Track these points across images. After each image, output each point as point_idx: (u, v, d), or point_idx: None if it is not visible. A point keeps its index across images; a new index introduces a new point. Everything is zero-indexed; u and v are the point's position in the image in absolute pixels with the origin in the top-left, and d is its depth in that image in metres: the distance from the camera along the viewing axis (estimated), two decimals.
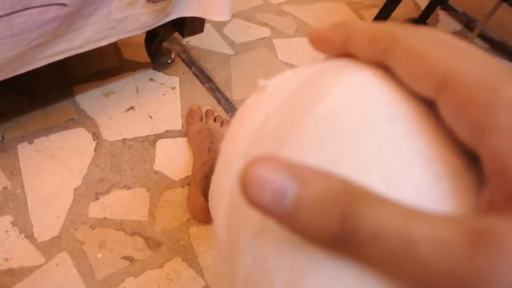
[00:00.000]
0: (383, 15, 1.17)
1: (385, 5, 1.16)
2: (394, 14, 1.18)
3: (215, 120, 1.05)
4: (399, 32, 0.18)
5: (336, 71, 0.22)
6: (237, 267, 0.22)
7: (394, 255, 0.13)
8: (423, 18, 1.40)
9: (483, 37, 1.67)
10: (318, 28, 0.21)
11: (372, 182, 0.17)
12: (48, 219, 0.85)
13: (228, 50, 1.29)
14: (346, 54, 0.21)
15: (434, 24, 1.65)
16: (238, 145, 0.24)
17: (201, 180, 0.88)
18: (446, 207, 0.16)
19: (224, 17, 0.89)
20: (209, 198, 0.35)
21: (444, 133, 0.18)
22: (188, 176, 0.98)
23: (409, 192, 0.16)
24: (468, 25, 1.70)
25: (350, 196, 0.14)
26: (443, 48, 0.16)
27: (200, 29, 1.02)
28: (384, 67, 0.20)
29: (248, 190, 0.14)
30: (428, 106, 0.19)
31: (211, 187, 0.33)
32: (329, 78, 0.21)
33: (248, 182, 0.14)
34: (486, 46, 1.64)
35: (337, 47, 0.21)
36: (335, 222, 0.13)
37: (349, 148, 0.17)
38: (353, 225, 0.13)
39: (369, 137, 0.17)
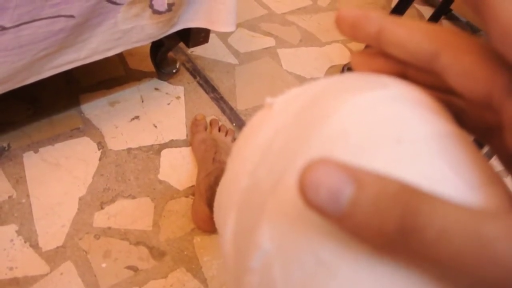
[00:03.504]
0: None
1: (389, 14, 1.16)
2: None
3: (219, 130, 1.05)
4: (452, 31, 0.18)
5: (344, 89, 0.22)
6: (244, 285, 0.21)
7: (466, 254, 0.13)
8: None
9: None
10: (350, 10, 0.20)
11: None
12: (53, 228, 0.86)
13: (232, 60, 1.29)
14: (377, 46, 0.20)
15: None
16: (245, 161, 0.24)
17: (206, 190, 0.88)
18: None
19: (229, 28, 0.89)
20: (215, 210, 0.35)
21: (462, 151, 0.18)
22: (193, 186, 0.98)
23: None
24: (472, 35, 1.71)
25: (410, 195, 0.14)
26: None
27: (205, 40, 1.03)
28: (399, 84, 0.20)
29: (305, 191, 0.14)
30: (448, 124, 0.19)
31: (216, 200, 0.33)
32: (337, 97, 0.21)
33: (305, 183, 0.14)
34: None
35: (369, 39, 0.20)
36: (393, 221, 0.14)
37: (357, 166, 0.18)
38: (415, 223, 0.13)
39: (376, 159, 0.17)
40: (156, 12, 0.79)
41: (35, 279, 0.79)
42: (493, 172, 0.18)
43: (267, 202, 0.21)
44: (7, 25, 0.61)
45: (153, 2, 0.77)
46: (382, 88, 0.21)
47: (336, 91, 0.22)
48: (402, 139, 0.18)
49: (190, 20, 0.88)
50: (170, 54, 1.15)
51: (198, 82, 1.20)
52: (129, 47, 0.84)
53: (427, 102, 0.21)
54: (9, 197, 0.88)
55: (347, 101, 0.21)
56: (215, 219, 0.35)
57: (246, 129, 0.29)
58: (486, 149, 0.97)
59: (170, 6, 0.79)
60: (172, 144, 1.05)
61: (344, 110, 0.20)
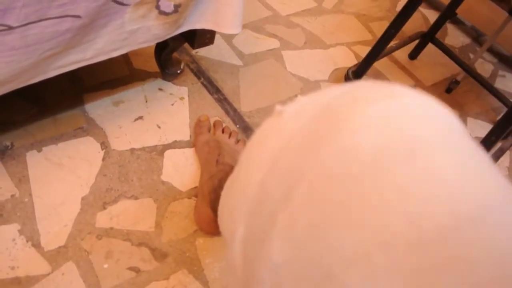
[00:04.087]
0: (393, 29, 1.17)
1: (395, 19, 1.16)
2: (403, 27, 1.18)
3: (223, 131, 1.05)
4: None
5: (355, 100, 0.21)
6: None
7: None
8: (432, 32, 1.40)
9: (492, 51, 1.67)
10: None
11: (394, 219, 0.16)
12: (55, 228, 0.85)
13: (237, 61, 1.29)
14: None
15: (443, 37, 1.65)
16: (254, 172, 0.23)
17: (209, 193, 0.87)
18: None
19: (235, 30, 0.89)
20: (219, 215, 0.34)
21: (476, 166, 0.18)
22: (196, 187, 0.98)
23: (430, 233, 0.16)
24: (476, 39, 1.70)
25: None
26: None
27: (211, 41, 1.02)
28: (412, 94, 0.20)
29: None
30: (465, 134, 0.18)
31: (222, 206, 0.33)
32: (348, 108, 0.21)
33: None
34: (495, 60, 1.64)
35: None
36: None
37: (371, 187, 0.17)
38: None
39: (390, 175, 0.17)
40: (162, 13, 0.78)
41: (36, 279, 0.79)
42: (506, 185, 0.18)
43: (278, 215, 0.21)
44: (14, 24, 0.61)
45: (159, 3, 0.77)
46: (394, 99, 0.21)
47: (348, 101, 0.22)
48: (415, 154, 0.18)
49: (196, 22, 0.88)
50: (175, 54, 1.15)
51: (202, 83, 1.19)
52: (135, 47, 0.83)
53: (439, 112, 0.21)
54: (12, 196, 0.87)
55: (360, 113, 0.20)
56: (220, 224, 0.35)
57: (254, 137, 0.29)
58: (494, 150, 0.96)
59: (176, 8, 0.79)
60: (175, 145, 1.04)
61: (357, 122, 0.20)
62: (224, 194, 0.30)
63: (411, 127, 0.19)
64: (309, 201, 0.19)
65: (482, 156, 0.19)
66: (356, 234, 0.17)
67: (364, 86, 0.23)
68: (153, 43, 0.86)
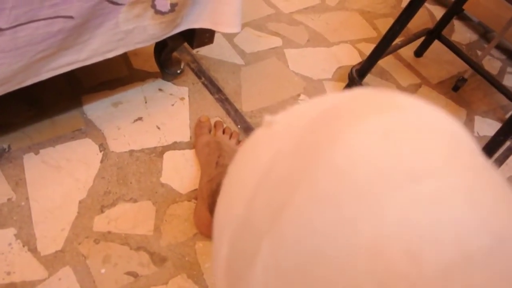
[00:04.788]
0: (398, 26, 1.14)
1: (401, 16, 1.13)
2: (408, 24, 1.15)
3: (224, 132, 1.03)
4: None
5: (352, 111, 0.19)
6: None
7: None
8: (438, 29, 1.37)
9: (500, 48, 1.63)
10: None
11: (393, 255, 0.14)
12: (52, 232, 0.84)
13: (238, 60, 1.27)
14: None
15: (450, 34, 1.62)
16: (241, 187, 0.21)
17: (208, 196, 0.86)
18: None
19: (234, 29, 0.87)
20: (213, 224, 0.32)
21: (485, 189, 0.15)
22: (196, 189, 0.96)
23: (434, 273, 0.14)
24: (484, 35, 1.67)
25: None
26: None
27: (210, 40, 1.00)
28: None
29: None
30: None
31: (214, 218, 0.31)
32: (343, 121, 0.19)
33: None
34: (503, 57, 1.60)
35: None
36: None
37: (367, 212, 0.15)
38: None
39: (390, 200, 0.15)
40: (158, 12, 0.77)
41: (33, 284, 0.78)
42: None
43: (263, 240, 0.18)
44: (4, 26, 0.59)
45: (155, 2, 0.75)
46: (397, 110, 0.18)
47: (344, 112, 0.20)
48: (418, 176, 0.16)
49: (194, 21, 0.86)
50: (175, 54, 1.13)
51: (203, 83, 1.18)
52: (131, 48, 0.82)
53: (448, 126, 0.19)
54: (9, 199, 0.86)
55: (356, 126, 0.18)
56: (213, 234, 0.33)
57: (243, 149, 0.26)
58: (502, 149, 0.93)
59: (173, 7, 0.77)
60: (175, 146, 1.03)
61: (352, 137, 0.18)
62: (217, 203, 0.28)
63: (414, 145, 0.16)
64: (296, 228, 0.17)
65: (494, 177, 0.17)
66: (349, 273, 0.15)
67: (363, 94, 0.21)
68: (150, 43, 0.84)
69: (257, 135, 0.24)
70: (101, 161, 0.96)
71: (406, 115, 0.18)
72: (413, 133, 0.17)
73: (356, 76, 1.23)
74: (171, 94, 1.12)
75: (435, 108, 0.20)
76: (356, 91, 0.22)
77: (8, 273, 0.78)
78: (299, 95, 1.23)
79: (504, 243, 0.14)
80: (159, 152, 1.01)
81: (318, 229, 0.15)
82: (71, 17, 0.65)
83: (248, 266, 0.18)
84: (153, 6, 0.75)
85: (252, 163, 0.21)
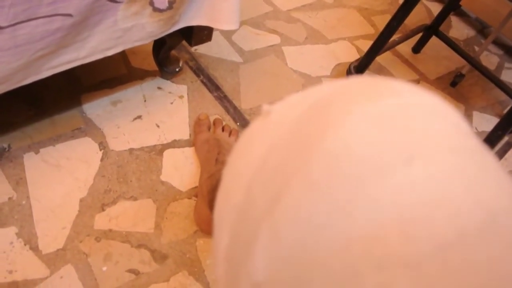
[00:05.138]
0: (396, 22, 1.15)
1: (397, 12, 1.13)
2: (406, 20, 1.15)
3: (223, 130, 1.03)
4: None
5: (349, 97, 0.19)
6: None
7: None
8: (436, 25, 1.37)
9: (498, 43, 1.64)
10: None
11: (389, 236, 0.14)
12: (53, 231, 0.84)
13: (237, 58, 1.27)
14: None
15: (447, 30, 1.62)
16: (239, 177, 0.22)
17: (208, 193, 0.86)
18: None
19: (232, 26, 0.87)
20: (213, 218, 0.33)
21: (479, 169, 0.16)
22: (196, 187, 0.96)
23: (430, 252, 0.14)
24: (481, 31, 1.67)
25: None
26: None
27: (208, 38, 1.01)
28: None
29: None
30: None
31: (214, 210, 0.31)
32: (339, 107, 0.19)
33: None
34: (501, 52, 1.61)
35: None
36: None
37: (362, 197, 0.15)
38: None
39: (383, 184, 0.15)
40: (156, 10, 0.77)
41: (34, 282, 0.78)
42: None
43: (262, 226, 0.19)
44: (3, 24, 0.59)
45: (153, 0, 0.75)
46: (392, 96, 0.19)
47: (340, 99, 0.20)
48: (413, 158, 0.16)
49: (192, 18, 0.86)
50: (173, 52, 1.13)
51: (202, 81, 1.18)
52: (130, 46, 0.82)
53: (442, 110, 0.19)
54: (9, 198, 0.86)
55: (352, 112, 0.18)
56: (213, 227, 0.33)
57: (241, 140, 0.27)
58: (500, 144, 0.94)
59: (171, 4, 0.77)
60: (174, 144, 1.03)
61: (348, 122, 0.18)
62: (217, 200, 0.29)
63: (409, 128, 0.17)
64: (294, 213, 0.17)
65: (489, 159, 0.17)
66: (346, 254, 0.15)
67: (359, 81, 0.21)
68: (148, 41, 0.84)
69: (254, 124, 0.24)
70: (101, 160, 0.96)
71: (401, 99, 0.19)
72: (406, 117, 0.18)
73: (354, 73, 1.24)
74: (170, 92, 1.13)
75: (428, 92, 0.21)
76: (351, 79, 0.22)
77: (10, 272, 0.78)
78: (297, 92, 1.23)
79: (497, 219, 0.15)
80: (159, 150, 1.01)
81: (314, 215, 0.15)
82: (69, 15, 0.65)
83: (247, 253, 0.18)
84: (151, 3, 0.75)
85: (249, 152, 0.22)
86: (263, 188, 0.19)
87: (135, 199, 0.92)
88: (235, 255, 0.20)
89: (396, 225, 0.15)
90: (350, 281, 0.15)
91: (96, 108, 1.04)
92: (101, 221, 0.87)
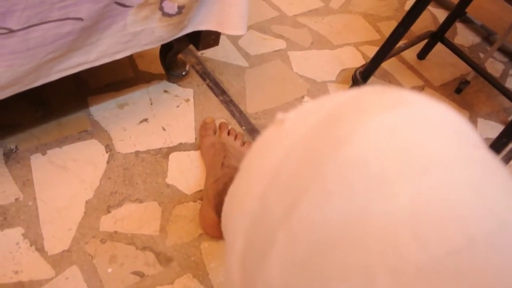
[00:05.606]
0: (402, 28, 1.15)
1: (404, 18, 1.14)
2: (412, 27, 1.16)
3: (229, 134, 1.04)
4: None
5: (361, 108, 0.20)
6: None
7: None
8: (441, 31, 1.38)
9: (503, 50, 1.64)
10: None
11: (403, 239, 0.15)
12: (59, 232, 0.85)
13: (243, 62, 1.28)
14: None
15: (452, 37, 1.62)
16: (254, 184, 0.22)
17: (214, 197, 0.86)
18: None
19: (240, 32, 0.88)
20: (222, 222, 0.33)
21: (491, 179, 0.16)
22: (201, 190, 0.97)
23: (442, 257, 0.14)
24: (487, 38, 1.68)
25: None
26: None
27: (216, 42, 1.01)
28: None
29: None
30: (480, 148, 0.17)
31: (224, 213, 0.31)
32: (354, 117, 0.19)
33: None
34: (506, 59, 1.61)
35: None
36: None
37: (376, 205, 0.16)
38: None
39: (398, 192, 0.16)
40: (166, 14, 0.77)
41: (40, 283, 0.78)
42: None
43: (278, 233, 0.19)
44: (15, 27, 0.60)
45: (163, 5, 0.76)
46: (404, 107, 0.19)
47: (353, 110, 0.21)
48: (427, 168, 0.16)
49: (200, 23, 0.87)
50: (180, 56, 1.14)
51: (208, 85, 1.18)
52: (138, 49, 0.83)
53: (453, 121, 0.20)
54: (16, 199, 0.87)
55: (366, 123, 0.19)
56: (222, 230, 0.33)
57: (255, 147, 0.27)
58: (505, 151, 0.94)
59: (180, 9, 0.78)
60: (180, 147, 1.03)
61: (362, 134, 0.18)
62: (226, 201, 0.29)
63: (422, 139, 0.17)
64: (310, 220, 0.17)
65: (499, 169, 0.18)
66: (361, 258, 0.15)
67: (371, 92, 0.22)
68: (157, 45, 0.85)
69: (269, 132, 0.25)
70: (108, 162, 0.97)
71: (413, 110, 0.19)
72: (420, 128, 0.18)
73: (359, 78, 1.24)
74: (176, 96, 1.13)
75: (440, 103, 0.21)
76: (364, 89, 0.23)
77: (16, 272, 0.79)
78: (303, 97, 1.24)
79: (507, 226, 0.15)
80: (165, 153, 1.01)
81: (331, 218, 0.16)
82: (80, 19, 0.65)
83: (264, 257, 0.18)
84: (161, 8, 0.76)
85: (265, 160, 0.22)
86: (278, 196, 0.20)
87: (141, 201, 0.92)
88: (251, 261, 0.20)
89: (410, 228, 0.15)
90: (365, 284, 0.15)
91: (102, 111, 1.05)
92: (107, 223, 0.88)
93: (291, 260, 0.18)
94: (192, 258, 0.87)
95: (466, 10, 1.56)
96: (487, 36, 1.69)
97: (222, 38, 1.21)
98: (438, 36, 1.39)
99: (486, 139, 1.28)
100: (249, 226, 0.21)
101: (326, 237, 0.16)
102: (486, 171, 0.17)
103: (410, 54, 1.47)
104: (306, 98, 1.22)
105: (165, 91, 1.14)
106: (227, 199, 0.29)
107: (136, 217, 0.90)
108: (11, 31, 0.60)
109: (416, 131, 0.18)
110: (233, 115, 1.13)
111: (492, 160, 0.18)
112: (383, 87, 0.22)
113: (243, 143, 1.04)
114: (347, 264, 0.16)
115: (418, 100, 0.21)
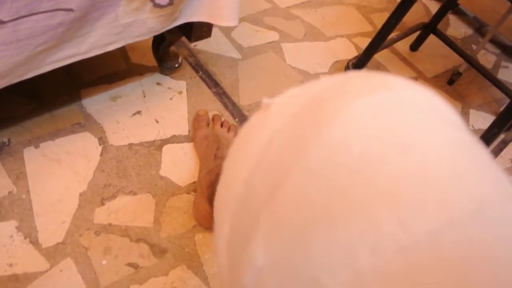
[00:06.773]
0: (394, 20, 1.15)
1: (396, 10, 1.14)
2: (404, 18, 1.16)
3: (222, 125, 1.04)
4: None
5: (345, 91, 0.20)
6: None
7: None
8: (434, 23, 1.38)
9: (495, 42, 1.65)
10: None
11: (383, 220, 0.15)
12: (53, 225, 0.85)
13: (235, 54, 1.28)
14: None
15: (445, 28, 1.63)
16: (241, 167, 0.22)
17: (207, 187, 0.87)
18: None
19: (232, 23, 0.88)
20: (214, 211, 0.33)
21: (471, 160, 0.16)
22: (194, 182, 0.97)
23: (422, 236, 0.15)
24: (479, 30, 1.68)
25: None
26: None
27: (208, 34, 1.01)
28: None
29: None
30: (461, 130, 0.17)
31: (215, 202, 0.32)
32: (338, 100, 0.20)
33: None
34: (498, 51, 1.62)
35: None
36: None
37: (358, 185, 0.16)
38: None
39: (379, 172, 0.16)
40: (157, 5, 0.77)
41: (34, 275, 0.79)
42: (504, 181, 0.17)
43: (262, 213, 0.20)
44: (5, 19, 0.60)
45: None
46: (387, 90, 0.19)
47: (338, 93, 0.21)
48: (407, 148, 0.17)
49: (192, 15, 0.87)
50: (173, 48, 1.14)
51: (201, 77, 1.18)
52: (130, 41, 0.82)
53: (436, 105, 0.20)
54: (9, 192, 0.87)
55: (349, 105, 0.19)
56: (214, 218, 0.34)
57: (242, 132, 0.27)
58: (496, 142, 0.94)
59: (171, 0, 0.78)
60: (174, 139, 1.03)
61: (345, 115, 0.19)
62: (217, 190, 0.30)
63: (404, 121, 0.18)
64: (293, 200, 0.18)
65: (480, 151, 0.18)
66: (343, 236, 0.16)
67: (356, 76, 0.22)
68: (148, 37, 0.85)
69: (255, 118, 0.25)
70: (101, 154, 0.97)
71: (396, 93, 0.19)
72: (403, 110, 0.18)
73: (352, 70, 1.24)
74: (169, 88, 1.13)
75: (421, 86, 0.22)
76: (349, 74, 0.23)
77: (10, 265, 0.79)
78: None
79: (486, 207, 0.16)
80: (158, 145, 1.02)
81: (313, 199, 0.16)
82: (71, 9, 0.65)
83: (249, 238, 0.19)
84: None
85: (250, 144, 0.22)
86: (263, 178, 0.20)
87: (135, 193, 0.92)
88: (237, 243, 0.21)
89: (391, 209, 0.15)
90: (346, 261, 0.16)
91: (95, 103, 1.05)
92: (101, 215, 0.88)
93: (275, 240, 0.18)
94: (186, 250, 0.88)
95: (458, 2, 1.57)
96: (479, 27, 1.69)
97: (214, 30, 1.20)
98: (430, 27, 1.39)
99: (478, 130, 1.29)
100: (234, 209, 0.21)
101: (309, 216, 0.16)
102: (467, 153, 0.17)
103: (403, 45, 1.48)
104: (288, 89, 1.23)
105: (158, 83, 1.14)
106: (218, 186, 0.29)
107: (130, 209, 0.90)
108: (1, 22, 0.59)
109: (399, 113, 0.18)
110: (226, 107, 1.13)
111: (473, 142, 0.19)
112: (367, 72, 0.23)
113: (236, 135, 1.04)
114: (329, 243, 0.16)
115: (401, 84, 0.21)
